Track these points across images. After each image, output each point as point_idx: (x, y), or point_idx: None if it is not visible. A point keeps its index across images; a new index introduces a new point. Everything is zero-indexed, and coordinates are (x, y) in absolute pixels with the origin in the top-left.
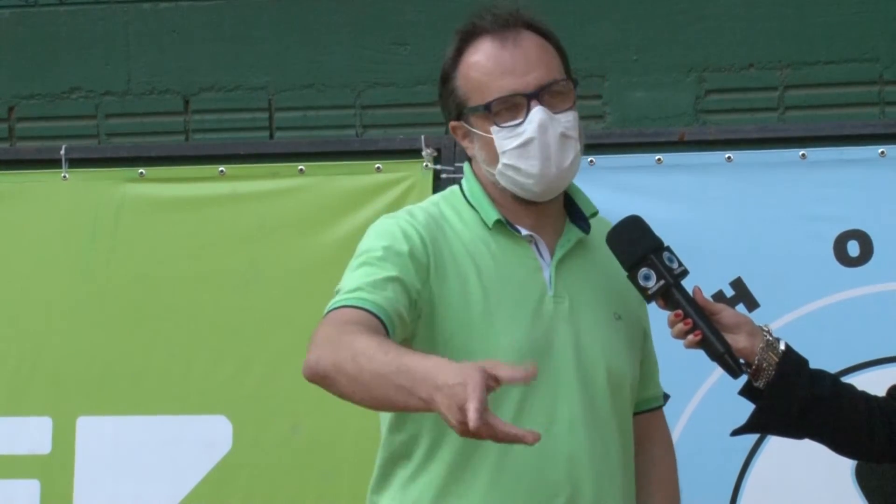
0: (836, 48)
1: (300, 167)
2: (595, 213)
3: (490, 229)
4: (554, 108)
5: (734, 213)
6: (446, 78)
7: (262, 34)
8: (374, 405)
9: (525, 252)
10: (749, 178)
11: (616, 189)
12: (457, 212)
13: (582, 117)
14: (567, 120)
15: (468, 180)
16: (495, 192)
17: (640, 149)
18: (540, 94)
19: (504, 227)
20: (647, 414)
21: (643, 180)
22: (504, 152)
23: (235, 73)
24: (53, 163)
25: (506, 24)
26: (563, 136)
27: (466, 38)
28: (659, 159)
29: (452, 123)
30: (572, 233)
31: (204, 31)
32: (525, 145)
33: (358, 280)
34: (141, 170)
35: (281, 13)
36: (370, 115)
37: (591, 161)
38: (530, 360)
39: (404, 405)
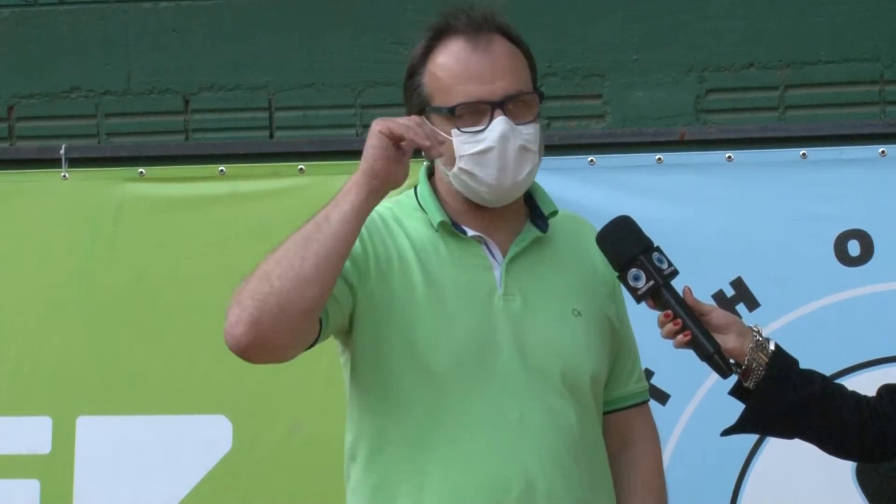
0: (836, 48)
1: (300, 167)
2: (554, 213)
3: (436, 230)
4: (517, 118)
5: (734, 213)
6: (413, 72)
7: (262, 34)
8: (314, 277)
9: (474, 252)
10: (749, 177)
11: (616, 189)
12: (408, 213)
13: (582, 117)
14: (528, 132)
15: (420, 183)
16: (448, 194)
17: (640, 148)
18: (505, 104)
19: (450, 228)
20: (628, 410)
21: (643, 180)
22: (462, 157)
23: (235, 73)
24: (53, 162)
25: (479, 28)
26: (523, 149)
27: (438, 36)
28: (659, 159)
29: (414, 118)
30: (529, 233)
31: (204, 31)
32: (483, 153)
33: None
34: (141, 169)
35: (281, 13)
36: (370, 115)
37: (592, 161)
38: (475, 358)
39: (337, 233)
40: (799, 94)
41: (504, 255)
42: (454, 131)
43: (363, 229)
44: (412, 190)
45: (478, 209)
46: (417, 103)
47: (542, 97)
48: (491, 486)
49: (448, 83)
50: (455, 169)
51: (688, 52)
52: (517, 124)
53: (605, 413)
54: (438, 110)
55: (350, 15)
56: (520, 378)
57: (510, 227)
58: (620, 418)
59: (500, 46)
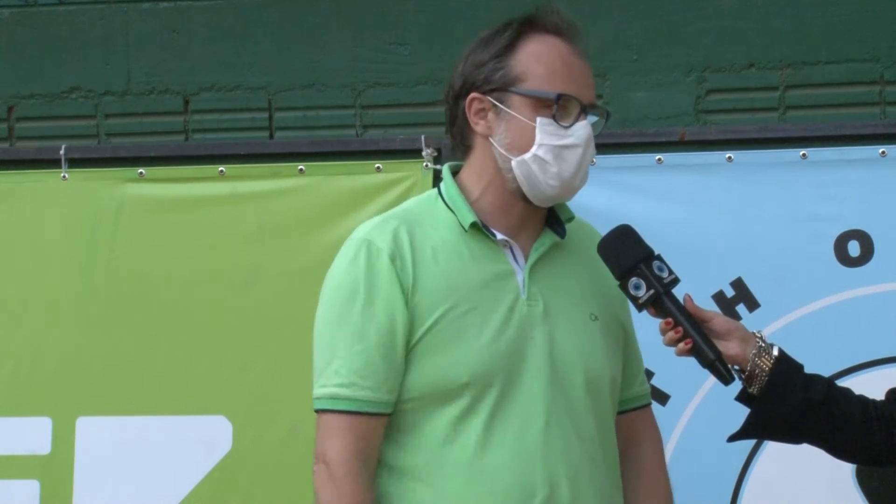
0: (836, 48)
1: (300, 167)
2: (572, 218)
3: (466, 232)
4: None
5: (734, 213)
6: (498, 52)
7: (262, 34)
8: None
9: (499, 256)
10: (749, 178)
11: (616, 189)
12: (432, 215)
13: None
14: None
15: (446, 184)
16: (481, 191)
17: (640, 149)
18: (588, 111)
19: (480, 230)
20: (633, 412)
21: (643, 180)
22: (542, 145)
23: (235, 73)
24: (53, 163)
25: (575, 36)
26: (591, 158)
27: (533, 26)
28: (659, 159)
29: (474, 95)
30: (548, 237)
31: (204, 31)
32: (566, 148)
33: (347, 363)
34: (141, 170)
35: (281, 13)
36: (370, 115)
37: (592, 161)
38: (503, 364)
39: None
40: (799, 95)
41: (526, 259)
42: (543, 119)
43: (385, 259)
44: (435, 190)
45: (507, 211)
46: (499, 81)
47: (608, 119)
48: (517, 490)
49: (549, 71)
50: (528, 155)
51: (688, 52)
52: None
53: None
54: (534, 93)
55: (350, 15)
56: (545, 383)
57: (532, 230)
58: (626, 420)
59: (586, 60)
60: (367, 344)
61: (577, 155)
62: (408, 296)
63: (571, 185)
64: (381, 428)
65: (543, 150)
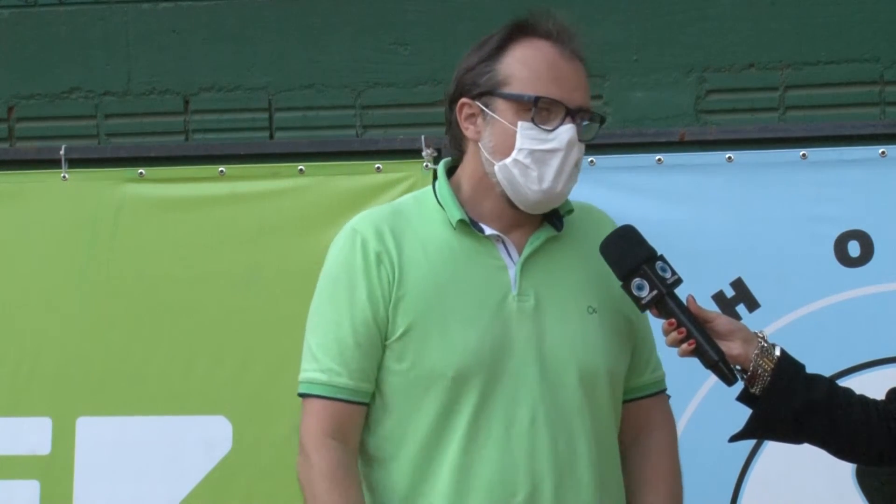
0: (836, 48)
1: (300, 167)
2: (570, 211)
3: (454, 229)
4: (579, 135)
5: (734, 213)
6: (486, 57)
7: (262, 34)
8: None
9: (489, 252)
10: (749, 178)
11: (616, 189)
12: (425, 212)
13: None
14: (582, 150)
15: (439, 180)
16: (474, 189)
17: (640, 149)
18: (576, 115)
19: (468, 226)
20: (643, 400)
21: (643, 180)
22: (522, 149)
23: (235, 73)
24: (53, 163)
25: (567, 40)
26: (577, 164)
27: (523, 30)
28: (659, 159)
29: (464, 100)
30: (544, 231)
31: (204, 31)
32: (548, 153)
33: (324, 349)
34: (141, 170)
35: (281, 13)
36: (370, 115)
37: (591, 161)
38: (488, 360)
39: None
40: (799, 95)
41: (520, 253)
42: (524, 123)
43: (371, 255)
44: (430, 187)
45: (501, 213)
46: (479, 86)
47: (602, 123)
48: (500, 488)
49: (532, 75)
50: (509, 160)
51: (688, 53)
52: (578, 139)
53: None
54: (515, 97)
55: (350, 15)
56: (533, 380)
57: (528, 226)
58: (636, 408)
59: (580, 64)
60: (344, 333)
61: (558, 159)
62: (391, 290)
63: (553, 191)
64: (358, 415)
65: (524, 155)
